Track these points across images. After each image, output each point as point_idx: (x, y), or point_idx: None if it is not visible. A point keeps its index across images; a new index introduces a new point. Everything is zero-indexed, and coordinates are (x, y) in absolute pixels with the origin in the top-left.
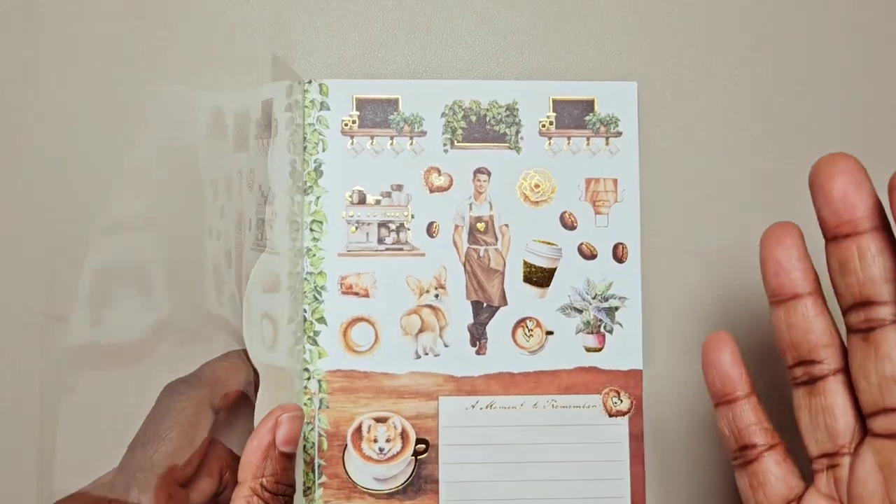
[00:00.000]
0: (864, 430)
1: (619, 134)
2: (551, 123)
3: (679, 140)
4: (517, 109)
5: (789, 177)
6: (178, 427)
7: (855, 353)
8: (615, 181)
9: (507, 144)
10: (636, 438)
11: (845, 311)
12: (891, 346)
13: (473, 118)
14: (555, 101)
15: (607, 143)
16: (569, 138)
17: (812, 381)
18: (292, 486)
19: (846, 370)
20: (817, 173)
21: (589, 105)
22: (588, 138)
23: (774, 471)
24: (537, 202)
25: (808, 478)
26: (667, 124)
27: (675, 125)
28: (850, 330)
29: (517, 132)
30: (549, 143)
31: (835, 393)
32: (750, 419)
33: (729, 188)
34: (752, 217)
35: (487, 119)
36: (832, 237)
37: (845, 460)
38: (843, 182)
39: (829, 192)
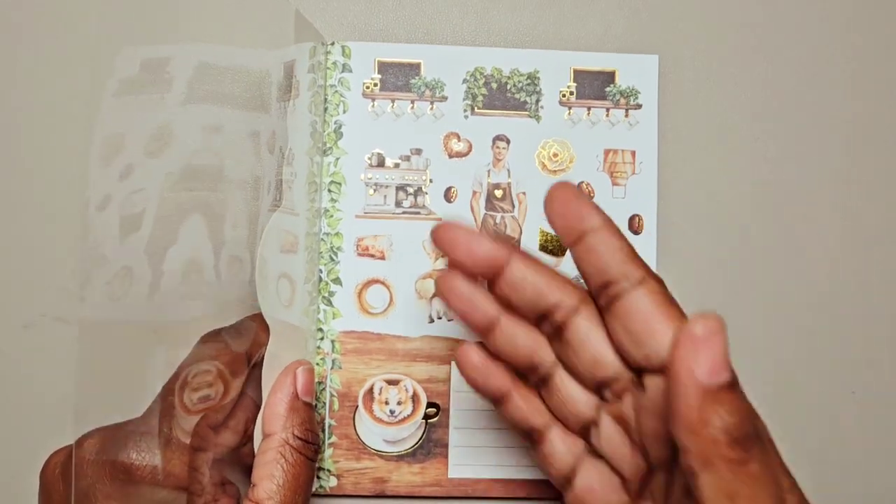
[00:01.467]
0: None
1: (638, 106)
2: (572, 93)
3: (699, 114)
4: (538, 78)
5: (810, 152)
6: (214, 372)
7: (563, 349)
8: (633, 153)
9: (527, 113)
10: None
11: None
12: (580, 332)
13: (494, 85)
14: (576, 72)
15: (627, 115)
16: (588, 109)
17: (544, 381)
18: (318, 436)
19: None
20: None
21: (610, 77)
22: (608, 109)
23: (559, 446)
24: (555, 171)
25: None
26: (687, 98)
27: (696, 99)
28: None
29: (537, 101)
30: (569, 113)
31: (564, 383)
32: (527, 408)
33: (748, 164)
34: (770, 192)
35: (508, 87)
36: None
37: (595, 426)
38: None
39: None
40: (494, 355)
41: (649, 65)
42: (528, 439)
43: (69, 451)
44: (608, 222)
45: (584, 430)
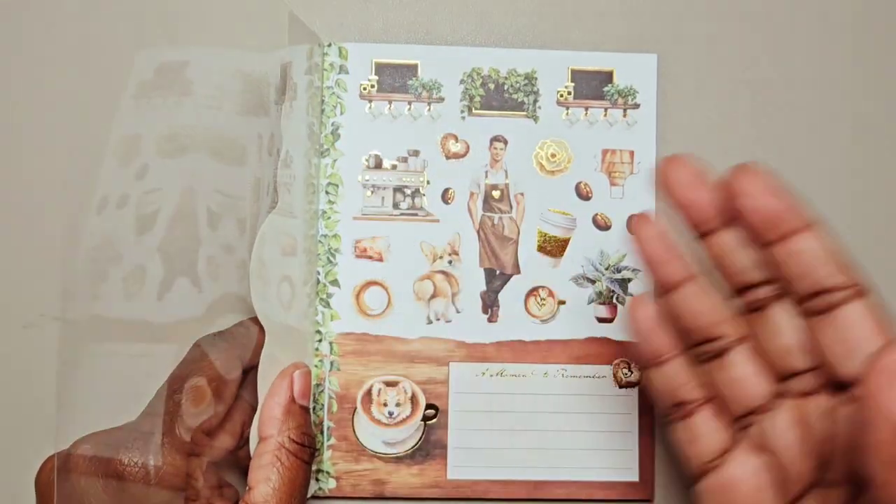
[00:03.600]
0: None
1: (636, 106)
2: (569, 93)
3: (698, 114)
4: (535, 78)
5: (810, 152)
6: (208, 378)
7: (754, 329)
8: (632, 153)
9: (524, 113)
10: (646, 410)
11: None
12: (779, 320)
13: (492, 86)
14: (573, 72)
15: (625, 115)
16: (586, 109)
17: (718, 355)
18: (315, 439)
19: (745, 340)
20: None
21: (607, 76)
22: (605, 109)
23: (708, 426)
24: (553, 171)
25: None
26: (687, 98)
27: (696, 99)
28: (746, 310)
29: (535, 101)
30: (567, 113)
31: (741, 364)
32: (682, 379)
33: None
34: None
35: (505, 87)
36: (701, 235)
37: (767, 417)
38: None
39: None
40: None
41: (648, 64)
42: (671, 413)
43: (64, 456)
44: (818, 221)
45: (743, 417)
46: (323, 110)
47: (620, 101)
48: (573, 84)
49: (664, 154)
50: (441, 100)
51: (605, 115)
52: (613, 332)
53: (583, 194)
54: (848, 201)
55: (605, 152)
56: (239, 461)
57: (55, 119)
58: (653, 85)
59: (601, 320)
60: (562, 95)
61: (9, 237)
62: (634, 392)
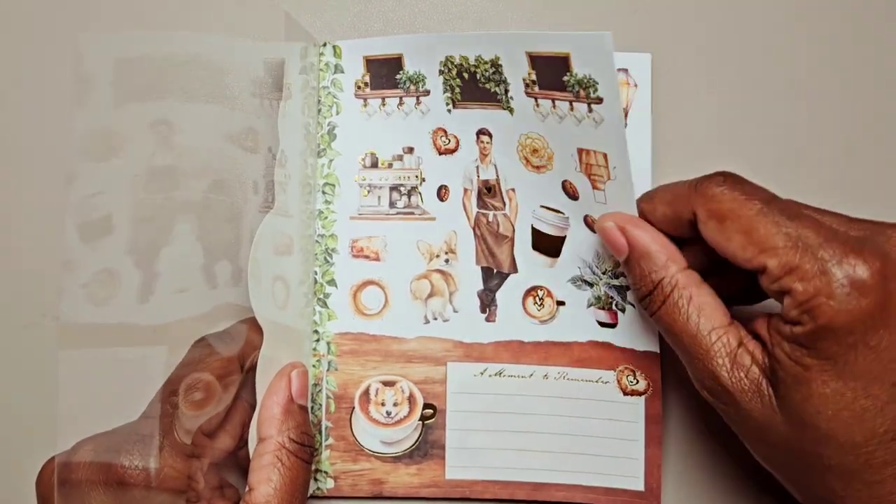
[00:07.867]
0: None
1: (599, 100)
2: (534, 82)
3: (686, 110)
4: (500, 65)
5: (809, 143)
6: (207, 379)
7: None
8: (605, 156)
9: (499, 105)
10: (653, 420)
11: None
12: None
13: (466, 75)
14: (531, 57)
15: (590, 111)
16: (553, 101)
17: None
18: (314, 439)
19: None
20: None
21: (564, 62)
22: (570, 102)
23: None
24: (539, 167)
25: None
26: (663, 90)
27: (674, 90)
28: None
29: (506, 91)
30: (537, 105)
31: None
32: None
33: (747, 160)
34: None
35: (478, 76)
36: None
37: None
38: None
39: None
40: None
41: (602, 46)
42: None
43: (65, 458)
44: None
45: None
46: (319, 110)
47: (582, 93)
48: (535, 72)
49: (636, 160)
50: (427, 93)
51: (572, 109)
52: (616, 337)
53: (570, 193)
54: (850, 202)
55: (580, 152)
56: (239, 462)
57: (53, 113)
58: (612, 73)
59: (602, 324)
60: (528, 85)
61: (9, 237)
62: (640, 401)
